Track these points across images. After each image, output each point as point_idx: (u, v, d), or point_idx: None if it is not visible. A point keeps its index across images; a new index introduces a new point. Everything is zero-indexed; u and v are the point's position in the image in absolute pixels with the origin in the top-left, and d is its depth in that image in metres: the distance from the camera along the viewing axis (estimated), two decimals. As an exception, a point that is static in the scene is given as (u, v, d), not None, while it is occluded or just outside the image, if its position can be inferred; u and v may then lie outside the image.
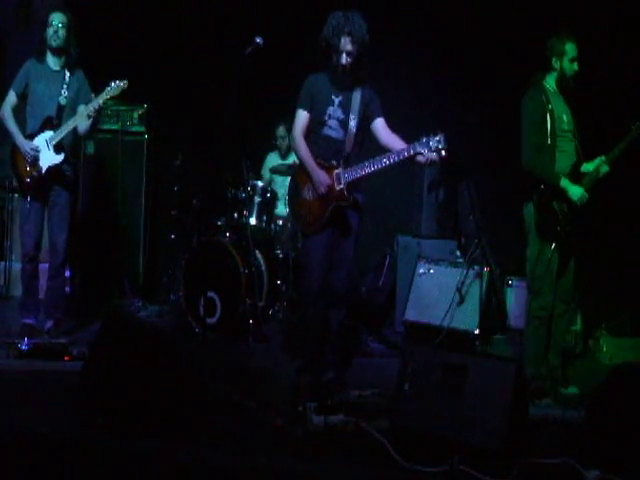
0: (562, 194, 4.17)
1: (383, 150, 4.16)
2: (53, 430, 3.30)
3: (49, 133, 4.86)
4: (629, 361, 4.59)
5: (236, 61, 4.40)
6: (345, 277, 4.30)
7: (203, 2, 6.69)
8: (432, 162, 3.97)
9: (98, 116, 4.97)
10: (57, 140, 4.84)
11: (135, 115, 6.60)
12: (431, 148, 3.85)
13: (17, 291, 6.37)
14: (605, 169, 4.21)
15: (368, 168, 4.06)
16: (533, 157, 4.22)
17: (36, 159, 4.83)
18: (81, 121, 4.88)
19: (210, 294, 5.46)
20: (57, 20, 4.88)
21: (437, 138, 3.86)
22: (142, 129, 6.65)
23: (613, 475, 2.96)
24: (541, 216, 4.23)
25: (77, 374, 3.67)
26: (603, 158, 4.22)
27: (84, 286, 6.46)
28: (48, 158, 4.86)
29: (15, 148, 4.90)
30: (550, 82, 4.33)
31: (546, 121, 4.19)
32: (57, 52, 4.92)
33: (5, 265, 6.53)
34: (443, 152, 3.86)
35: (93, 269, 6.54)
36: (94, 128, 5.20)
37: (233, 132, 4.59)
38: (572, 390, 4.35)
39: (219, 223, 6.00)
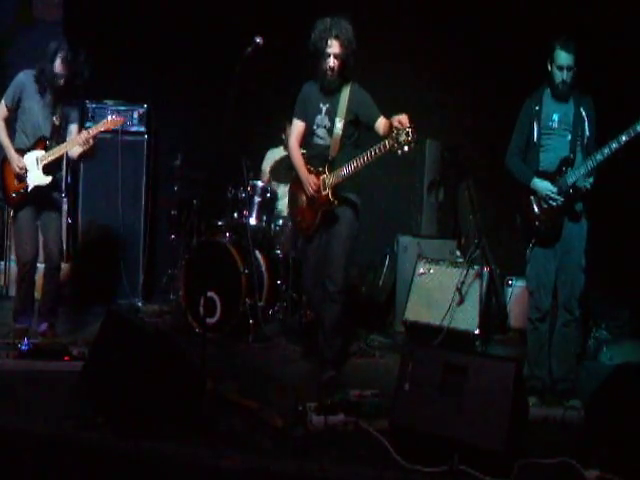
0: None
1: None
2: (53, 430, 3.30)
3: (40, 152, 4.85)
4: (629, 361, 4.59)
5: (236, 61, 4.40)
6: (335, 273, 4.30)
7: (203, 2, 6.69)
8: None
9: (93, 145, 4.86)
10: (48, 161, 4.83)
11: (135, 115, 6.61)
12: (401, 143, 3.76)
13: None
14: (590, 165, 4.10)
15: (348, 169, 4.16)
16: (507, 157, 4.37)
17: (23, 177, 4.83)
18: (73, 146, 4.87)
19: (210, 294, 5.46)
20: (67, 58, 4.71)
21: (406, 131, 3.75)
22: (142, 129, 6.65)
23: (613, 475, 2.96)
24: (521, 212, 4.29)
25: (77, 374, 3.68)
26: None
27: (84, 286, 6.45)
28: (36, 177, 4.85)
29: (5, 160, 4.87)
30: (548, 85, 4.32)
31: (532, 123, 4.25)
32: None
33: (5, 265, 6.53)
34: (413, 145, 3.76)
35: (93, 269, 6.53)
36: (88, 156, 5.05)
37: (233, 132, 4.60)
38: (574, 402, 4.31)
39: (219, 223, 5.99)
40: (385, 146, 3.88)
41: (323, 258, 4.37)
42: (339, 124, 4.27)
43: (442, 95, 6.34)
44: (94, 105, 6.49)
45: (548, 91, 4.30)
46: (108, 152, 6.51)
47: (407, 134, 3.74)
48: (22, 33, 6.85)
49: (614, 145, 3.99)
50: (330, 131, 4.32)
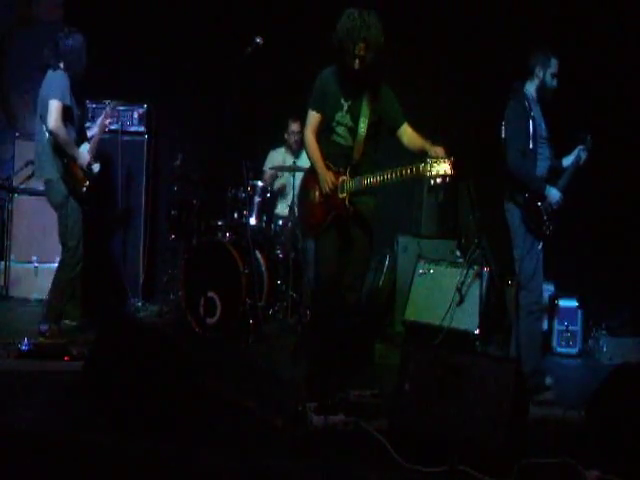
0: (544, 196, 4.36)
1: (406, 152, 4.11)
2: (53, 430, 3.30)
3: (85, 145, 5.17)
4: (629, 361, 4.59)
5: (236, 61, 4.40)
6: (358, 285, 4.22)
7: (203, 2, 6.69)
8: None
9: None
10: (94, 150, 5.21)
11: (135, 115, 6.61)
12: (434, 173, 3.58)
13: (17, 291, 6.38)
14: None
15: (371, 180, 3.93)
16: (519, 163, 4.34)
17: (91, 170, 5.18)
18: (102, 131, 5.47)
19: (210, 294, 5.46)
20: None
21: (446, 166, 3.57)
22: (142, 129, 6.65)
23: (613, 475, 2.96)
24: (529, 216, 4.35)
25: (77, 374, 3.68)
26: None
27: (84, 286, 6.44)
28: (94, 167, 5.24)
29: (71, 162, 5.02)
30: (530, 89, 4.42)
31: (529, 127, 4.30)
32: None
33: (5, 265, 6.52)
34: (447, 179, 3.60)
35: (93, 269, 6.52)
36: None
37: (233, 132, 4.60)
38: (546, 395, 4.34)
39: (219, 223, 5.99)
40: (418, 169, 3.66)
41: (337, 262, 4.13)
42: (363, 124, 4.02)
43: (442, 95, 6.34)
44: (94, 105, 6.48)
45: (530, 96, 4.38)
46: (108, 152, 6.52)
47: (445, 170, 3.56)
48: (22, 33, 6.85)
49: (582, 156, 4.45)
50: (352, 131, 4.05)
